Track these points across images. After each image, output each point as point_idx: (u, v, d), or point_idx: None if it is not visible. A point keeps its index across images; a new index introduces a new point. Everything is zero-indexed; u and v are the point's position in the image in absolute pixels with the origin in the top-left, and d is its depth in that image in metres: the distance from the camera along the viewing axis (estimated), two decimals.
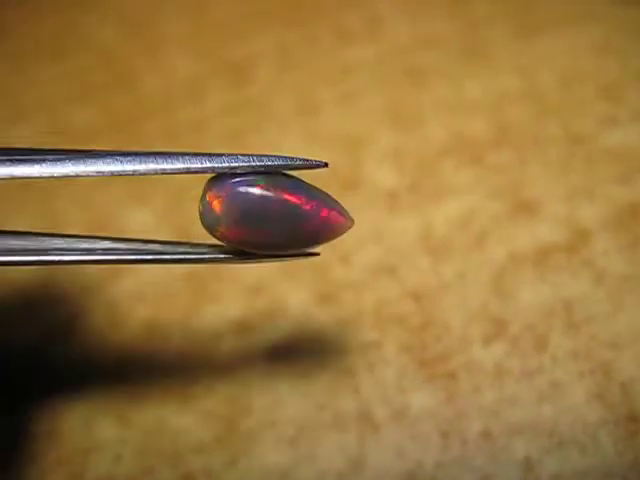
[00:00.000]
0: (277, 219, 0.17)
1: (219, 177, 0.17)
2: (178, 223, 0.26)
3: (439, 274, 0.24)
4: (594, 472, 0.20)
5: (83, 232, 0.26)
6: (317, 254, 0.18)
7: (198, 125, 0.29)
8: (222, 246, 0.18)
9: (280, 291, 0.24)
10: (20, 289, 0.25)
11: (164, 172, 0.17)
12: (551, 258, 0.24)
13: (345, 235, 0.25)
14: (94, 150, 0.17)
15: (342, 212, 0.18)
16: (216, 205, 0.17)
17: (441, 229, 0.25)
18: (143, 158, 0.17)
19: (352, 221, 0.18)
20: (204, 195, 0.17)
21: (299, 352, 0.23)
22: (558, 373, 0.22)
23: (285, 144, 0.28)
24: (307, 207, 0.17)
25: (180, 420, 0.22)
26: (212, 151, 0.17)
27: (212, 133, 0.28)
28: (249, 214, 0.16)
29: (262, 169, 0.17)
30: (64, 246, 0.18)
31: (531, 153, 0.26)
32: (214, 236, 0.17)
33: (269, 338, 0.24)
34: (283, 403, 0.22)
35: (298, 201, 0.17)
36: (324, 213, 0.17)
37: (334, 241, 0.25)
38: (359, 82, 0.29)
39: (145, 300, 0.25)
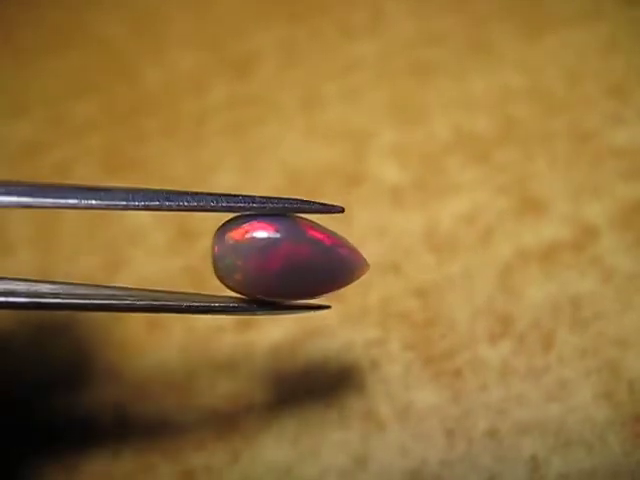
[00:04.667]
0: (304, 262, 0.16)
1: (234, 221, 0.16)
2: (178, 223, 0.26)
3: (444, 271, 0.24)
4: (601, 471, 0.20)
5: (83, 232, 0.26)
6: (328, 307, 0.18)
7: (200, 119, 0.28)
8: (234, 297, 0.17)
9: None
10: None
11: (175, 209, 0.16)
12: (558, 255, 0.24)
13: (350, 231, 0.25)
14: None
15: (358, 253, 0.17)
16: (232, 251, 0.16)
17: (446, 226, 0.25)
18: (155, 195, 0.16)
19: (368, 265, 0.18)
20: (219, 239, 0.16)
21: (302, 349, 0.23)
22: (565, 371, 0.22)
23: (288, 139, 0.27)
24: (329, 243, 0.17)
25: (181, 416, 0.22)
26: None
27: (214, 127, 0.28)
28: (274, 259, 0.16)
29: (275, 212, 0.16)
30: (60, 291, 0.17)
31: (537, 150, 0.26)
32: (228, 285, 0.17)
33: (272, 334, 0.23)
34: (286, 400, 0.22)
35: (323, 238, 0.17)
36: (345, 251, 0.17)
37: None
38: (363, 77, 0.29)
39: None
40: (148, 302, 0.17)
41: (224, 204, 0.16)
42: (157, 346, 0.23)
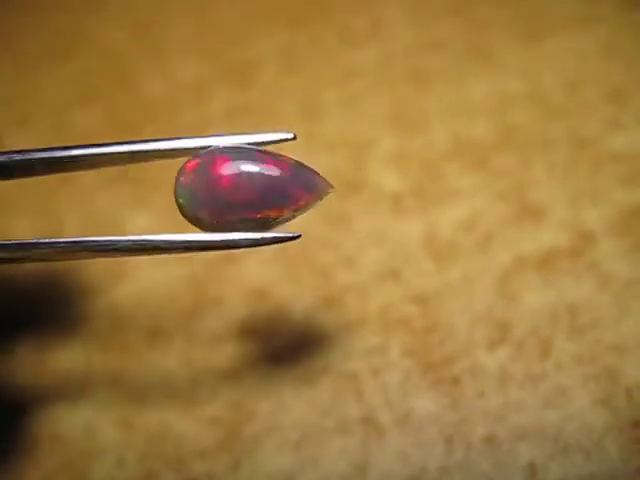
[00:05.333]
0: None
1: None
2: (179, 224, 0.26)
3: (443, 278, 0.24)
4: (599, 478, 0.20)
5: (83, 233, 0.26)
6: (298, 236, 0.18)
7: (201, 127, 0.29)
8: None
9: (283, 294, 0.24)
10: (22, 293, 0.25)
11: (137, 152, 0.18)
12: (556, 262, 0.24)
13: (349, 239, 0.25)
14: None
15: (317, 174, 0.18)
16: (188, 182, 0.17)
17: (445, 232, 0.25)
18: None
19: (332, 186, 0.18)
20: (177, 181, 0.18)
21: (303, 356, 0.23)
22: (563, 378, 0.22)
23: (288, 146, 0.28)
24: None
25: (183, 424, 0.22)
26: (209, 134, 0.18)
27: None
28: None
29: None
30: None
31: (536, 156, 0.26)
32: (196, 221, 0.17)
33: (272, 342, 0.23)
34: (287, 408, 0.22)
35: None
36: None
37: (337, 245, 0.25)
38: (363, 84, 0.29)
39: (147, 304, 0.24)
40: (138, 242, 0.18)
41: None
42: (158, 355, 0.24)
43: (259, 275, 0.24)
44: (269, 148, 0.18)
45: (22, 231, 0.27)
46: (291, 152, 0.27)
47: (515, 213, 0.25)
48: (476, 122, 0.27)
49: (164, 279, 0.25)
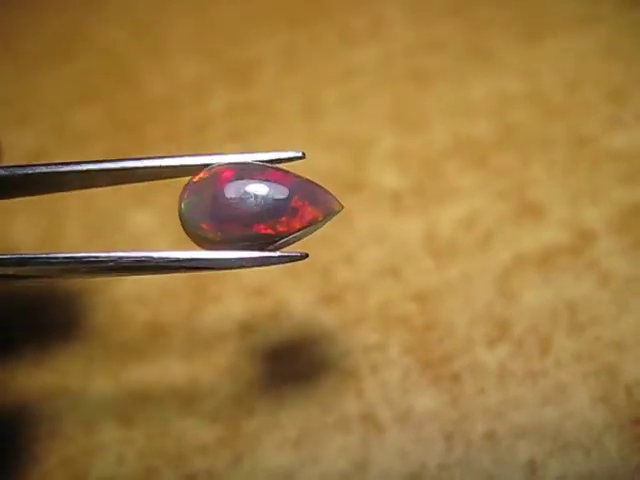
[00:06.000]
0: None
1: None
2: (181, 230, 0.26)
3: (443, 276, 0.24)
4: (598, 475, 0.20)
5: (86, 240, 0.26)
6: (306, 256, 0.17)
7: (201, 127, 0.29)
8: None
9: (283, 292, 0.24)
10: (22, 290, 0.25)
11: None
12: (555, 260, 0.24)
13: (349, 237, 0.25)
14: None
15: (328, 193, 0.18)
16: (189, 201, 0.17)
17: (445, 231, 0.25)
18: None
19: (341, 205, 0.18)
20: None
21: (302, 354, 0.23)
22: (562, 375, 0.22)
23: (289, 146, 0.28)
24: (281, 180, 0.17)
25: (183, 421, 0.22)
26: (215, 153, 0.17)
27: (215, 135, 0.28)
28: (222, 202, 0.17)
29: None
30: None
31: (535, 155, 0.26)
32: (198, 237, 0.17)
33: (272, 339, 0.23)
34: (286, 404, 0.22)
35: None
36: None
37: (337, 243, 0.25)
38: (363, 84, 0.29)
39: (147, 301, 0.25)
40: (133, 261, 0.17)
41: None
42: (159, 351, 0.24)
43: (259, 272, 0.24)
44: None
45: (22, 230, 0.27)
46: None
47: (515, 211, 0.25)
48: (476, 121, 0.27)
49: (164, 277, 0.25)
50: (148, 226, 0.26)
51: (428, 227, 0.25)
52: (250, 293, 0.24)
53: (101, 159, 0.18)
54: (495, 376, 0.22)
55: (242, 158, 0.17)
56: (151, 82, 0.30)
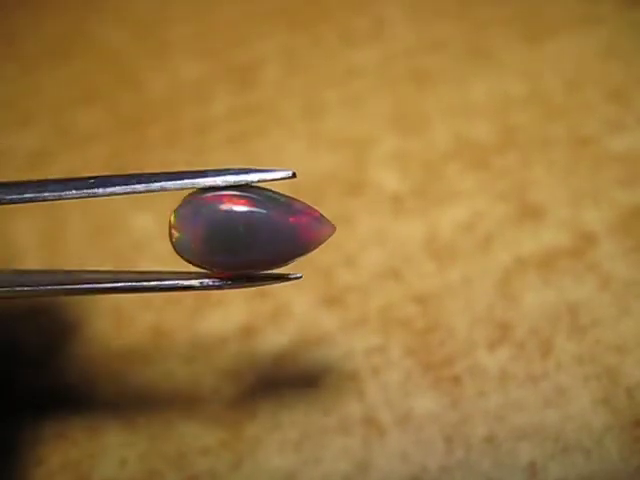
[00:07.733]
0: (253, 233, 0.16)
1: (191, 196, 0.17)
2: None
3: (444, 278, 0.24)
4: (599, 477, 0.20)
5: (88, 241, 0.26)
6: (299, 277, 0.17)
7: (202, 128, 0.29)
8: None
9: (284, 295, 0.24)
10: None
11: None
12: (556, 262, 0.24)
13: (350, 239, 0.25)
14: None
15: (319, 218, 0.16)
16: (181, 230, 0.17)
17: (446, 233, 0.25)
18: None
19: (333, 227, 0.16)
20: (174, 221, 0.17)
21: (304, 356, 0.23)
22: (563, 378, 0.22)
23: (290, 147, 0.28)
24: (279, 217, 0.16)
25: (185, 424, 0.22)
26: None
27: (216, 136, 0.28)
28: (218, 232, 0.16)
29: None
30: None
31: (536, 156, 0.26)
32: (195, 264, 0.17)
33: (274, 342, 0.24)
34: (288, 407, 0.22)
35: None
36: (302, 220, 0.16)
37: (338, 245, 0.25)
38: (364, 85, 0.29)
39: (150, 305, 0.25)
40: (128, 283, 0.18)
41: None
42: (162, 354, 0.24)
43: None
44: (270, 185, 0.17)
45: (23, 231, 0.27)
46: (292, 152, 0.28)
47: (516, 213, 0.25)
48: (477, 122, 0.27)
49: None
50: (150, 232, 0.26)
51: (429, 229, 0.25)
52: (251, 296, 0.24)
53: (108, 175, 0.17)
54: (496, 378, 0.22)
55: (231, 179, 0.16)
56: (152, 82, 0.30)
